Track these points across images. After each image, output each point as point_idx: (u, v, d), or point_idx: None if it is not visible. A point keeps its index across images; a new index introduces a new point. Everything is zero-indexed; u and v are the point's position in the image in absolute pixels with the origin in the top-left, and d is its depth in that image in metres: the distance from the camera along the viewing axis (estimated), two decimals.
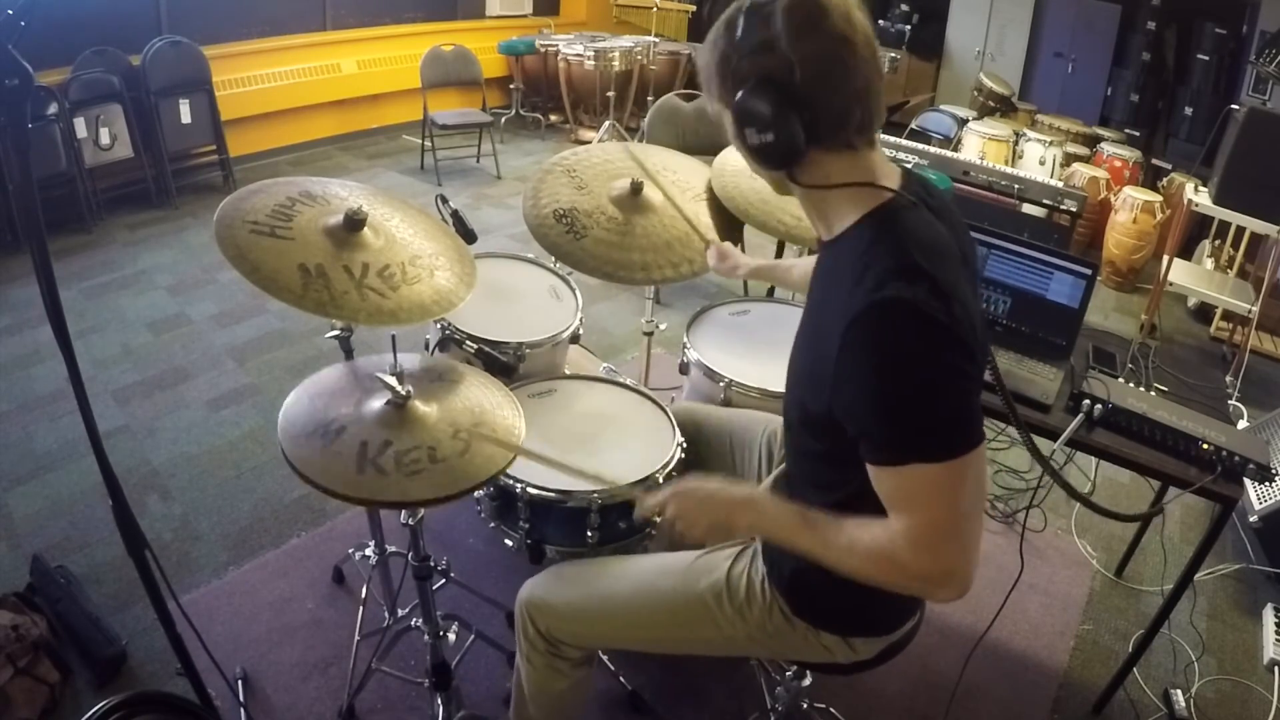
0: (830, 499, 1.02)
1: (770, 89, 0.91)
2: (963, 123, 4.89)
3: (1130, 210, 3.99)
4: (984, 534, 2.38)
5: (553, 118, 6.27)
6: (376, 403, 1.26)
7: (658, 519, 1.11)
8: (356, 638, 1.84)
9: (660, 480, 1.49)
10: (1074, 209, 3.67)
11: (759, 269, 1.71)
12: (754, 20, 0.92)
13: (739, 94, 0.93)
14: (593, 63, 5.40)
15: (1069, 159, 4.59)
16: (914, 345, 0.87)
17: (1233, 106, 3.50)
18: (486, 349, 1.66)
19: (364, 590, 1.95)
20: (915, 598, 1.21)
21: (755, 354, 1.82)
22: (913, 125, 5.13)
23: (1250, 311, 3.28)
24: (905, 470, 0.90)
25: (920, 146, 3.97)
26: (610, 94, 5.41)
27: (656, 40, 5.75)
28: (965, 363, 0.90)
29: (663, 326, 2.24)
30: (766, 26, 0.90)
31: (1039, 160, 4.51)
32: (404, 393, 1.24)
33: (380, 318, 1.27)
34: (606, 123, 5.39)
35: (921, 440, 0.89)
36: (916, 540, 0.90)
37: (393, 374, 1.25)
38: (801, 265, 1.64)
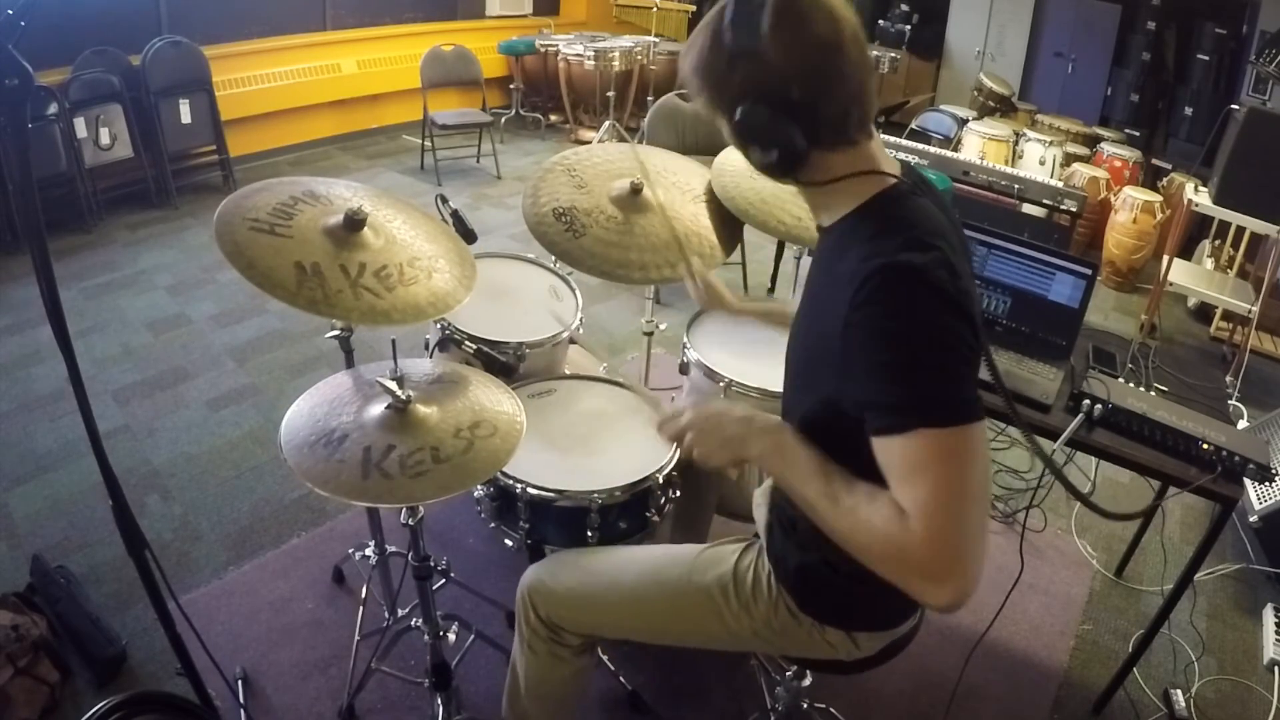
0: None
1: (768, 104, 0.92)
2: (963, 123, 4.89)
3: (1130, 210, 3.99)
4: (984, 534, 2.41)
5: (553, 118, 6.26)
6: (377, 408, 1.26)
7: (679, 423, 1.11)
8: (356, 638, 1.85)
9: (661, 480, 1.50)
10: (1074, 209, 3.67)
11: (751, 310, 1.66)
12: (741, 28, 0.91)
13: (738, 110, 0.93)
14: (593, 63, 5.40)
15: (1069, 159, 4.59)
16: (923, 308, 0.87)
17: (1233, 106, 3.49)
18: (486, 349, 1.66)
19: (364, 590, 1.96)
20: None
21: (755, 354, 1.82)
22: (913, 125, 5.14)
23: (1250, 311, 3.28)
24: (911, 436, 0.86)
25: (920, 146, 3.97)
26: (610, 94, 5.41)
27: (656, 40, 5.76)
28: (969, 335, 0.90)
29: (663, 326, 2.24)
30: (755, 35, 0.90)
31: (1039, 160, 4.51)
32: (404, 397, 1.24)
33: (373, 317, 1.26)
34: (606, 123, 5.39)
35: (927, 403, 0.87)
36: (920, 516, 0.85)
37: (393, 379, 1.25)
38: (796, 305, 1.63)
